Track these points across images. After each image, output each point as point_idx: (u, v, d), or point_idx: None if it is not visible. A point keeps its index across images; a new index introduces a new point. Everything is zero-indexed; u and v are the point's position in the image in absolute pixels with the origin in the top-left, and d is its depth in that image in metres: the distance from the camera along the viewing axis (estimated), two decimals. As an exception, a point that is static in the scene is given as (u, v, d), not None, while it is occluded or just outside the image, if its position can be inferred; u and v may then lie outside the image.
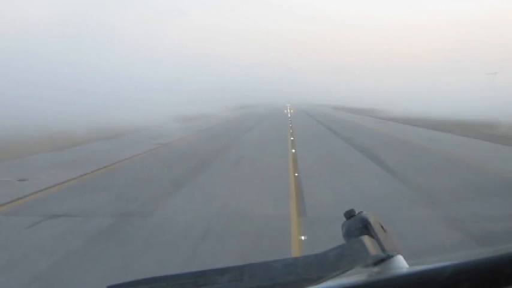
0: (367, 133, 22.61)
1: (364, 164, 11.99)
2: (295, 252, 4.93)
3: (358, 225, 0.81)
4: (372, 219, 0.81)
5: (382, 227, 0.81)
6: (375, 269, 0.74)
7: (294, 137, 19.59)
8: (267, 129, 25.65)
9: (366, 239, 0.72)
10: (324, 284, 0.68)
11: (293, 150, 14.51)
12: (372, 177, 9.91)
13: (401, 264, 0.75)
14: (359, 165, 11.82)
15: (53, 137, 16.42)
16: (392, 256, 0.75)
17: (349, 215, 0.85)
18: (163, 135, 18.93)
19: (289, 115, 45.86)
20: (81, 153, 13.69)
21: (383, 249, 0.74)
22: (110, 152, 13.90)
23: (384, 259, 0.74)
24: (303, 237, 5.46)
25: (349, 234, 0.82)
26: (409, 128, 26.14)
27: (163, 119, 26.75)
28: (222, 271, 0.66)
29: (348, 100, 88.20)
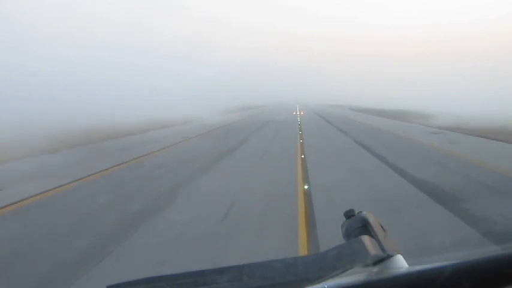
0: (457, 169, 10.66)
1: None
2: None
3: (357, 225, 0.81)
4: (371, 219, 0.81)
5: (381, 226, 0.81)
6: (375, 269, 0.74)
7: (308, 169, 10.49)
8: (260, 152, 14.29)
9: (366, 238, 0.72)
10: (324, 284, 0.68)
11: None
12: None
13: (401, 264, 0.75)
14: None
15: None
16: (392, 256, 0.75)
17: (349, 214, 0.85)
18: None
19: (298, 119, 36.22)
20: None
21: (383, 249, 0.74)
22: None
23: (383, 259, 0.74)
24: None
25: (348, 234, 0.82)
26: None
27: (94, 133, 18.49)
28: (221, 271, 0.66)
29: (363, 100, 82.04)
